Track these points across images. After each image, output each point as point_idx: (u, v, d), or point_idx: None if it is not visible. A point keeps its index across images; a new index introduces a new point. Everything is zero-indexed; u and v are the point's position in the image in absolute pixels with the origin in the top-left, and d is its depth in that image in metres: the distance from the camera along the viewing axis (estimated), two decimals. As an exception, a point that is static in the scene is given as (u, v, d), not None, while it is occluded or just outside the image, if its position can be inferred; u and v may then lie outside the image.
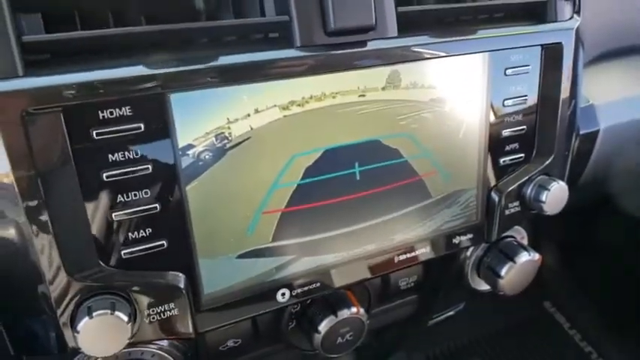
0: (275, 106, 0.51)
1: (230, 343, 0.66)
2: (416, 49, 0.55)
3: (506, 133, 0.65)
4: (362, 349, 0.78)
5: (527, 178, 0.67)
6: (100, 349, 0.47)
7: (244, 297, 0.56)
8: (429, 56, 0.56)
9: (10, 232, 0.45)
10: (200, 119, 0.48)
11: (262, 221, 0.54)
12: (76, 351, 0.50)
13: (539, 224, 0.92)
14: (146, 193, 0.47)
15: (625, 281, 1.16)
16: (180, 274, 0.51)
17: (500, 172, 0.67)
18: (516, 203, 0.68)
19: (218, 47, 0.48)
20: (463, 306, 0.93)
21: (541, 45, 0.64)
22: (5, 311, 0.50)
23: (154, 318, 0.51)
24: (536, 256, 0.72)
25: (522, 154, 0.68)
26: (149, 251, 0.49)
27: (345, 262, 0.60)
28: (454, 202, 0.65)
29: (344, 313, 0.64)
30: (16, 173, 0.42)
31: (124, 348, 0.48)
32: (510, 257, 0.71)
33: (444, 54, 0.57)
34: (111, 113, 0.44)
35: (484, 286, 0.77)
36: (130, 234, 0.48)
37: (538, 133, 0.68)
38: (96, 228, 0.47)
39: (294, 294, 0.58)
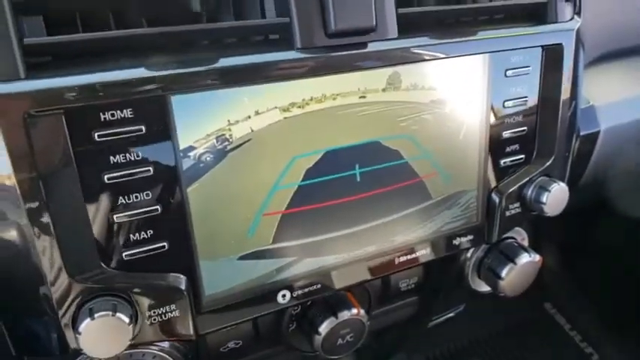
0: (275, 107, 0.51)
1: (231, 345, 0.66)
2: (416, 51, 0.55)
3: (506, 134, 0.65)
4: (362, 350, 0.78)
5: (527, 179, 0.67)
6: (102, 351, 0.47)
7: (245, 299, 0.56)
8: (429, 57, 0.56)
9: (12, 234, 0.45)
10: (201, 121, 0.48)
11: (263, 223, 0.54)
12: (78, 352, 0.50)
13: (540, 225, 0.92)
14: (147, 195, 0.48)
15: (625, 282, 1.16)
16: (181, 276, 0.51)
17: (501, 173, 0.67)
18: (517, 204, 0.68)
19: (219, 49, 0.49)
20: (463, 307, 0.93)
21: (541, 46, 0.64)
22: (7, 312, 0.50)
23: (155, 319, 0.51)
24: (537, 257, 0.72)
25: (523, 156, 0.68)
26: (150, 253, 0.49)
27: (346, 263, 0.60)
28: (454, 204, 0.65)
29: (344, 315, 0.64)
30: (18, 175, 0.42)
31: (125, 349, 0.48)
32: (511, 258, 0.71)
33: (444, 55, 0.57)
34: (112, 115, 0.44)
35: (484, 288, 0.77)
36: (131, 236, 0.48)
37: (538, 134, 0.68)
38: (97, 230, 0.47)
39: (294, 295, 0.58)
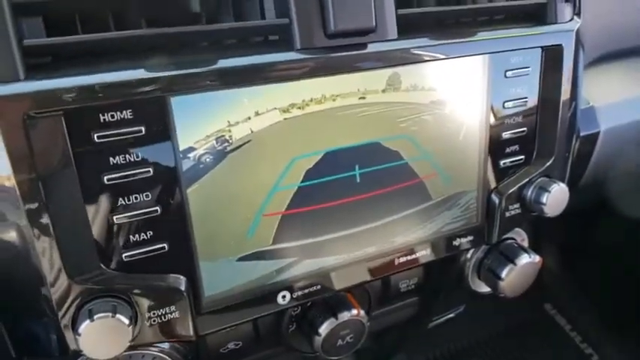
0: (275, 108, 0.51)
1: (231, 346, 0.66)
2: (416, 52, 0.55)
3: (506, 135, 0.65)
4: (362, 351, 0.78)
5: (527, 180, 0.67)
6: (102, 352, 0.47)
7: (245, 299, 0.56)
8: (429, 58, 0.56)
9: (12, 235, 0.45)
10: (201, 122, 0.48)
11: (263, 224, 0.54)
12: (78, 353, 0.50)
13: (540, 226, 0.92)
14: (147, 196, 0.48)
15: (625, 283, 1.16)
16: (181, 277, 0.51)
17: (501, 174, 0.67)
18: (517, 205, 0.68)
19: (218, 50, 0.49)
20: (463, 308, 0.93)
21: (541, 47, 0.64)
22: (7, 313, 0.50)
23: (154, 321, 0.51)
24: (537, 258, 0.72)
25: (523, 156, 0.68)
26: (150, 254, 0.49)
27: (346, 264, 0.60)
28: (454, 205, 0.65)
29: (344, 316, 0.64)
30: (18, 176, 0.42)
31: (125, 350, 0.48)
32: (511, 259, 0.71)
33: (444, 56, 0.57)
34: (112, 116, 0.44)
35: (484, 288, 0.77)
36: (130, 237, 0.48)
37: (538, 135, 0.68)
38: (97, 231, 0.47)
39: (294, 296, 0.58)
